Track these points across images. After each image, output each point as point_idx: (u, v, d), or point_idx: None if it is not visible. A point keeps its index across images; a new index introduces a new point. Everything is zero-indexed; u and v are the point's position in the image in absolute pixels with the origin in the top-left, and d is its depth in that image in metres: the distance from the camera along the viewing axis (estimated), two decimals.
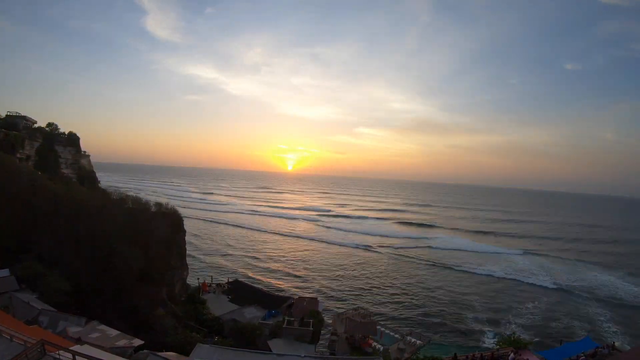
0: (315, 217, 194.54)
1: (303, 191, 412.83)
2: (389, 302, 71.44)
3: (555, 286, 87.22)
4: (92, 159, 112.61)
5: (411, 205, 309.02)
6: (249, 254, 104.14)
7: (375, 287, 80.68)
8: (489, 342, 50.82)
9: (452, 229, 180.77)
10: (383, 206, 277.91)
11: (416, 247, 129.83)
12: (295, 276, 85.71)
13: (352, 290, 77.31)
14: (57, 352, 18.80)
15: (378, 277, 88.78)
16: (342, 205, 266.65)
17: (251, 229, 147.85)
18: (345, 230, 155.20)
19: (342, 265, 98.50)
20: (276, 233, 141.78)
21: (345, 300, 70.74)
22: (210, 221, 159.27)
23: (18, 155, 70.60)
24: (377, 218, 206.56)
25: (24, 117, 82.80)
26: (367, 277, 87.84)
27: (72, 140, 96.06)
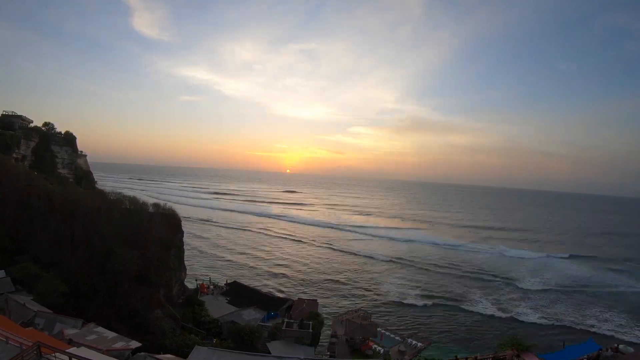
0: None
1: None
2: None
3: None
4: (89, 159, 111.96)
5: None
6: None
7: None
8: (491, 344, 50.61)
9: None
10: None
11: None
12: None
13: None
14: (54, 355, 18.40)
15: None
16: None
17: None
18: None
19: None
20: None
21: (344, 302, 70.41)
22: None
23: (14, 155, 69.94)
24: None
25: (20, 117, 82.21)
26: None
27: (69, 140, 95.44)
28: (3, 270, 35.29)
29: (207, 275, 73.49)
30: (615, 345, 27.39)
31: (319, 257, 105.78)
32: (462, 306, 70.69)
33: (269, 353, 36.92)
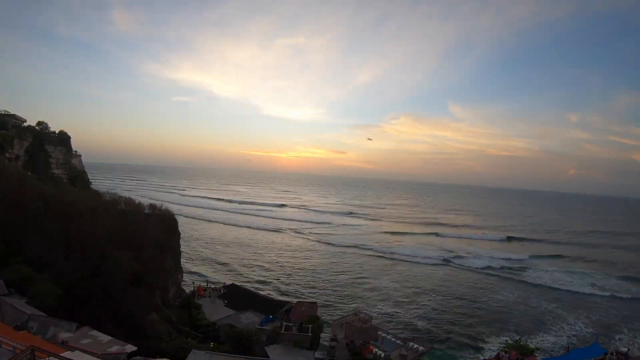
0: None
1: None
2: None
3: None
4: (84, 159, 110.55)
5: None
6: None
7: None
8: (494, 347, 50.25)
9: None
10: None
11: None
12: None
13: None
14: (47, 359, 17.98)
15: None
16: None
17: None
18: None
19: None
20: None
21: (345, 304, 69.77)
22: None
23: (7, 155, 68.72)
24: None
25: (13, 116, 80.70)
26: None
27: (63, 139, 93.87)
28: None
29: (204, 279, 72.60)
30: (622, 349, 27.07)
31: None
32: None
33: (267, 357, 36.44)
